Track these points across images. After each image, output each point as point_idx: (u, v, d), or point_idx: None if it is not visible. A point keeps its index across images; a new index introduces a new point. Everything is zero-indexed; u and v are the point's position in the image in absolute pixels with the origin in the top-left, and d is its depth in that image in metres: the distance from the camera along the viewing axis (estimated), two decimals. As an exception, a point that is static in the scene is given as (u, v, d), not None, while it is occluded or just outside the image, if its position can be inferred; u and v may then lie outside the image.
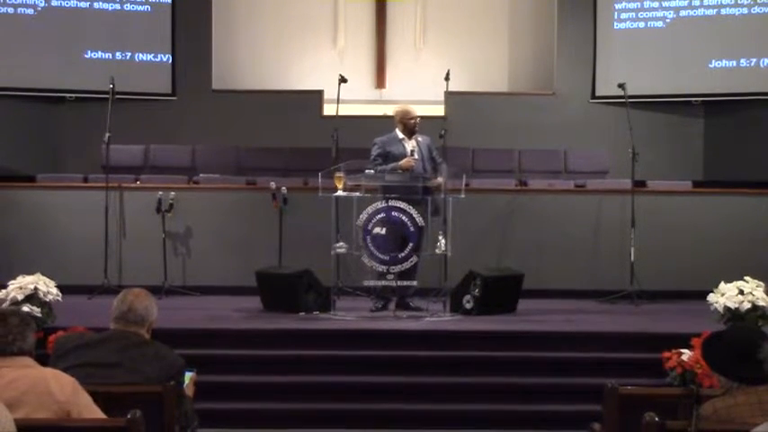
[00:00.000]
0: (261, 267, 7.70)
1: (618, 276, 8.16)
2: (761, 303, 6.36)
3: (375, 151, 7.38)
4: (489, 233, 8.54)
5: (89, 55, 10.81)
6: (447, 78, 8.40)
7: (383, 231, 6.92)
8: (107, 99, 8.42)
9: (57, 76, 10.72)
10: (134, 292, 3.86)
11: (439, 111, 10.69)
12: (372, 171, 7.08)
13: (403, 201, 6.93)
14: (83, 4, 10.80)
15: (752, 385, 3.18)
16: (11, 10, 10.57)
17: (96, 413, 3.33)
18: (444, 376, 6.24)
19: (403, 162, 7.20)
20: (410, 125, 7.37)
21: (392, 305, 7.22)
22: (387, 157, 7.32)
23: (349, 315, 7.04)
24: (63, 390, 3.27)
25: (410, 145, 7.33)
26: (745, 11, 10.71)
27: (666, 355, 5.96)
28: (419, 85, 11.37)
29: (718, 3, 10.79)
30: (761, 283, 6.49)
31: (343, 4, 11.71)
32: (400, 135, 7.41)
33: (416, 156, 7.27)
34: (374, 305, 7.33)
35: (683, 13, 10.96)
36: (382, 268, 6.95)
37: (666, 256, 8.43)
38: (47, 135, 10.91)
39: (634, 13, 11.10)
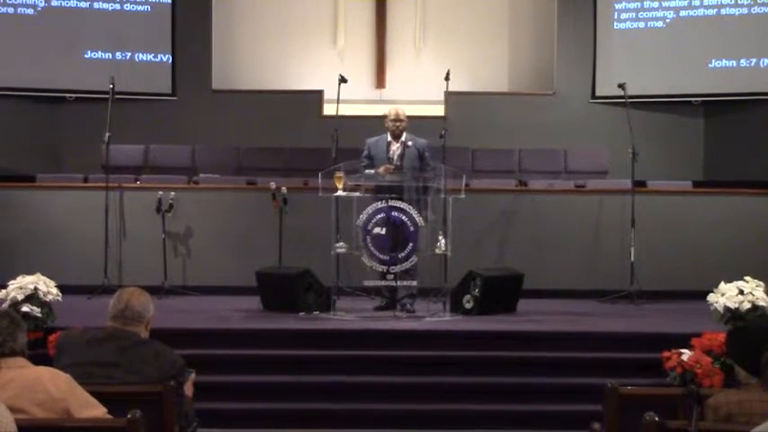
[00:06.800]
0: (261, 267, 7.70)
1: (618, 276, 8.16)
2: (761, 303, 6.34)
3: (363, 153, 7.44)
4: (489, 233, 8.54)
5: (89, 55, 10.82)
6: (447, 78, 8.39)
7: (383, 231, 6.92)
8: (107, 99, 8.42)
9: (57, 76, 10.73)
10: (130, 291, 3.87)
11: (439, 111, 10.69)
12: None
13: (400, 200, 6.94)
14: (83, 4, 10.81)
15: None
16: (11, 10, 10.58)
17: (95, 406, 3.34)
18: (444, 376, 6.23)
19: (381, 169, 7.19)
20: (389, 127, 7.38)
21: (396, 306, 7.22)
22: (372, 159, 7.35)
23: (349, 315, 7.03)
24: (59, 387, 3.28)
25: (394, 147, 7.33)
26: (745, 11, 10.71)
27: (666, 354, 5.95)
28: (419, 85, 11.38)
29: (718, 3, 10.79)
30: (761, 283, 6.48)
31: (344, 4, 11.70)
32: (389, 137, 7.41)
33: (396, 160, 7.26)
34: (380, 302, 7.34)
35: (683, 13, 10.96)
36: (382, 268, 6.95)
37: (666, 256, 8.44)
38: (47, 135, 10.91)
39: (634, 13, 11.09)
